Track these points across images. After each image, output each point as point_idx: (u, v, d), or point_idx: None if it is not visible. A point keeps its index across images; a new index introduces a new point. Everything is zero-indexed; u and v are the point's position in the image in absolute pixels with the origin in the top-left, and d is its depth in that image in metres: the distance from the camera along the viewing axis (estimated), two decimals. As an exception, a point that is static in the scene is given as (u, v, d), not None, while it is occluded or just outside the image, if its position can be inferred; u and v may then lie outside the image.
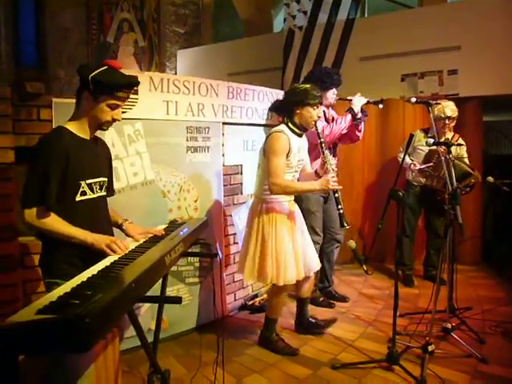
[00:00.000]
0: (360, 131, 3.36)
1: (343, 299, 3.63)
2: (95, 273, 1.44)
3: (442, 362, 2.55)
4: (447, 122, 3.65)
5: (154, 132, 2.80)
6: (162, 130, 2.86)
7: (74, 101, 2.07)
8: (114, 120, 1.80)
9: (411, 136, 2.61)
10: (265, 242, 2.60)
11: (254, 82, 3.63)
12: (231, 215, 3.41)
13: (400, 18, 5.07)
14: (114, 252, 1.66)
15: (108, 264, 1.54)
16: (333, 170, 2.58)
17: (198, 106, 3.05)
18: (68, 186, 1.71)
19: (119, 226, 2.01)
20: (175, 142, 2.95)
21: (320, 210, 3.37)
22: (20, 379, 1.67)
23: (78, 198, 1.75)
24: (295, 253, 2.64)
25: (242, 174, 3.47)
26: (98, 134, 1.91)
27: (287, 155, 2.55)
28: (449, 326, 2.80)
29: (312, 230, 3.23)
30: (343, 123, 3.21)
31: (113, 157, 2.56)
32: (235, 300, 3.48)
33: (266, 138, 2.64)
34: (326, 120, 3.35)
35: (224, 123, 3.26)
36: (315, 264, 2.82)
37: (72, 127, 1.76)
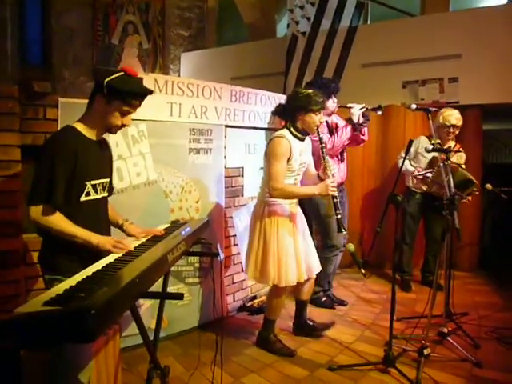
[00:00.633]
0: (364, 134, 3.40)
1: (341, 303, 3.66)
2: (100, 268, 1.47)
3: (437, 366, 2.58)
4: (451, 130, 3.68)
5: (158, 133, 2.84)
6: (166, 132, 2.91)
7: (79, 101, 2.11)
8: (123, 125, 1.83)
9: (410, 142, 2.65)
10: (267, 243, 2.64)
11: (256, 87, 3.68)
12: (232, 217, 3.45)
13: (402, 25, 5.13)
14: (120, 252, 1.70)
15: (112, 260, 1.58)
16: (333, 175, 2.62)
17: (202, 108, 3.09)
18: (74, 186, 1.73)
19: (120, 227, 2.03)
20: (178, 143, 3.00)
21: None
22: (22, 373, 1.72)
23: (83, 198, 1.77)
24: (297, 254, 2.68)
25: (243, 176, 3.51)
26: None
27: (288, 160, 2.59)
28: (445, 330, 2.82)
29: (332, 232, 3.28)
30: (344, 135, 3.26)
31: (116, 157, 2.63)
32: (234, 301, 3.51)
33: (268, 142, 2.68)
34: (329, 127, 3.39)
35: (226, 126, 3.30)
36: (316, 266, 2.85)
37: (81, 128, 1.79)
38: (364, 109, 3.29)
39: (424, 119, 4.39)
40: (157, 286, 1.97)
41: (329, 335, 3.05)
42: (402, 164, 2.80)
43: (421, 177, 3.71)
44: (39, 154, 1.72)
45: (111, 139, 2.11)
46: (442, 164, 2.85)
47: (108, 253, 1.70)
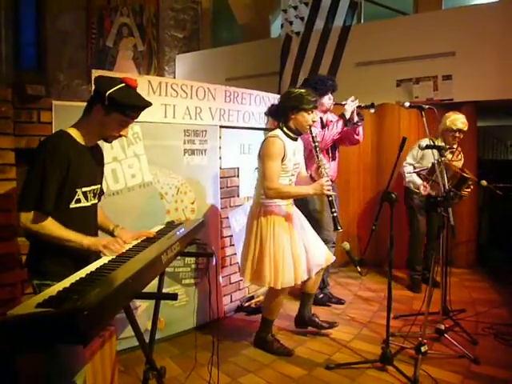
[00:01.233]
0: (358, 134, 3.41)
1: (339, 302, 3.66)
2: (93, 270, 1.47)
3: (434, 363, 2.58)
4: (457, 134, 3.64)
5: (152, 135, 2.84)
6: (160, 133, 2.91)
7: (74, 103, 2.11)
8: (120, 136, 1.82)
9: (404, 139, 2.66)
10: (263, 244, 2.63)
11: (251, 87, 3.68)
12: (228, 217, 3.45)
13: (396, 24, 5.14)
14: (112, 252, 1.69)
15: (106, 262, 1.58)
16: (327, 174, 2.62)
17: (196, 109, 3.09)
18: (64, 193, 1.70)
19: (110, 233, 2.00)
20: (173, 144, 3.00)
21: (327, 208, 3.39)
22: (19, 375, 1.71)
23: (73, 205, 1.74)
24: (294, 255, 2.65)
25: (238, 176, 3.51)
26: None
27: (282, 159, 2.58)
28: (442, 327, 2.83)
29: (323, 228, 3.30)
30: (334, 129, 3.26)
31: (111, 159, 2.63)
32: (231, 302, 3.51)
33: (262, 142, 2.68)
34: (323, 125, 3.39)
35: (221, 126, 3.31)
36: (322, 260, 2.80)
37: (75, 133, 1.76)
38: (356, 103, 3.29)
39: (418, 117, 4.40)
40: (153, 287, 1.97)
41: (326, 334, 3.05)
42: (396, 162, 2.78)
43: (427, 183, 3.61)
44: (31, 159, 1.70)
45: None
46: (436, 161, 2.86)
47: (97, 257, 1.69)
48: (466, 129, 3.67)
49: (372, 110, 3.36)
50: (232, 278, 3.52)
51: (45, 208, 1.64)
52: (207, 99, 3.16)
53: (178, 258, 2.79)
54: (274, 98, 3.67)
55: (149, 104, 1.82)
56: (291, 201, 2.78)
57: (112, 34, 6.60)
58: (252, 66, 6.09)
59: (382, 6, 5.67)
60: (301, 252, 2.69)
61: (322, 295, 3.61)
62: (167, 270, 2.77)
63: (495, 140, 7.53)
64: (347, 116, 3.26)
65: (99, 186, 1.93)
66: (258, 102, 3.60)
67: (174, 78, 7.14)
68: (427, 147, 2.82)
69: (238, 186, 3.52)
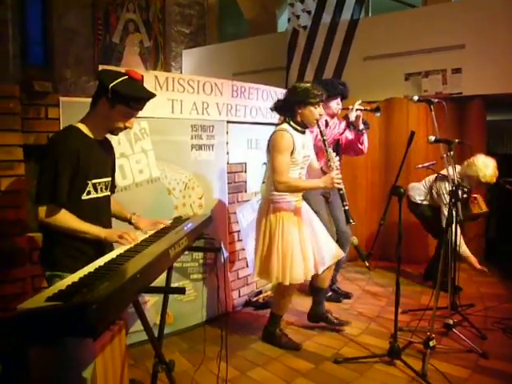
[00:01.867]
0: (362, 144, 3.33)
1: (347, 296, 3.66)
2: (102, 264, 1.49)
3: (443, 357, 2.58)
4: (484, 184, 3.45)
5: (160, 130, 2.85)
6: (167, 129, 2.91)
7: (81, 99, 2.12)
8: (126, 127, 1.85)
9: (412, 133, 2.63)
10: (271, 240, 2.62)
11: (258, 82, 3.67)
12: (235, 213, 3.45)
13: (404, 17, 5.09)
14: (126, 242, 1.73)
15: (114, 256, 1.59)
16: (336, 167, 2.61)
17: (203, 104, 3.09)
18: (76, 185, 1.75)
19: (128, 221, 2.08)
20: (180, 140, 3.00)
21: (323, 209, 3.37)
22: (30, 369, 1.73)
23: (84, 196, 1.79)
24: (303, 251, 2.64)
25: (246, 172, 3.51)
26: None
27: (292, 153, 2.57)
28: (450, 322, 2.82)
29: None
30: (336, 129, 3.25)
31: (119, 155, 2.64)
32: (240, 296, 3.52)
33: (270, 137, 2.67)
34: (326, 125, 3.36)
35: (228, 122, 3.30)
36: (332, 255, 2.79)
37: (83, 128, 1.80)
38: (361, 106, 3.25)
39: (427, 111, 4.37)
40: (161, 283, 1.98)
41: (334, 328, 3.05)
42: (405, 156, 2.75)
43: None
44: (42, 154, 1.74)
45: (113, 137, 2.12)
46: (445, 155, 2.83)
47: (110, 249, 1.72)
48: (494, 181, 3.42)
49: (378, 114, 3.32)
50: (240, 272, 3.53)
51: (59, 200, 1.69)
52: (214, 94, 3.16)
53: (186, 252, 2.80)
54: (281, 93, 3.65)
55: (152, 95, 1.83)
56: (300, 196, 2.77)
57: (118, 30, 6.60)
58: (259, 60, 6.07)
59: (389, -2, 5.62)
60: (310, 248, 2.68)
61: (330, 293, 3.59)
62: (175, 265, 2.78)
63: (505, 134, 7.44)
64: (351, 118, 3.23)
65: (110, 178, 1.97)
66: (266, 97, 3.59)
67: (181, 73, 7.14)
68: (436, 141, 2.78)
69: (245, 181, 3.52)
